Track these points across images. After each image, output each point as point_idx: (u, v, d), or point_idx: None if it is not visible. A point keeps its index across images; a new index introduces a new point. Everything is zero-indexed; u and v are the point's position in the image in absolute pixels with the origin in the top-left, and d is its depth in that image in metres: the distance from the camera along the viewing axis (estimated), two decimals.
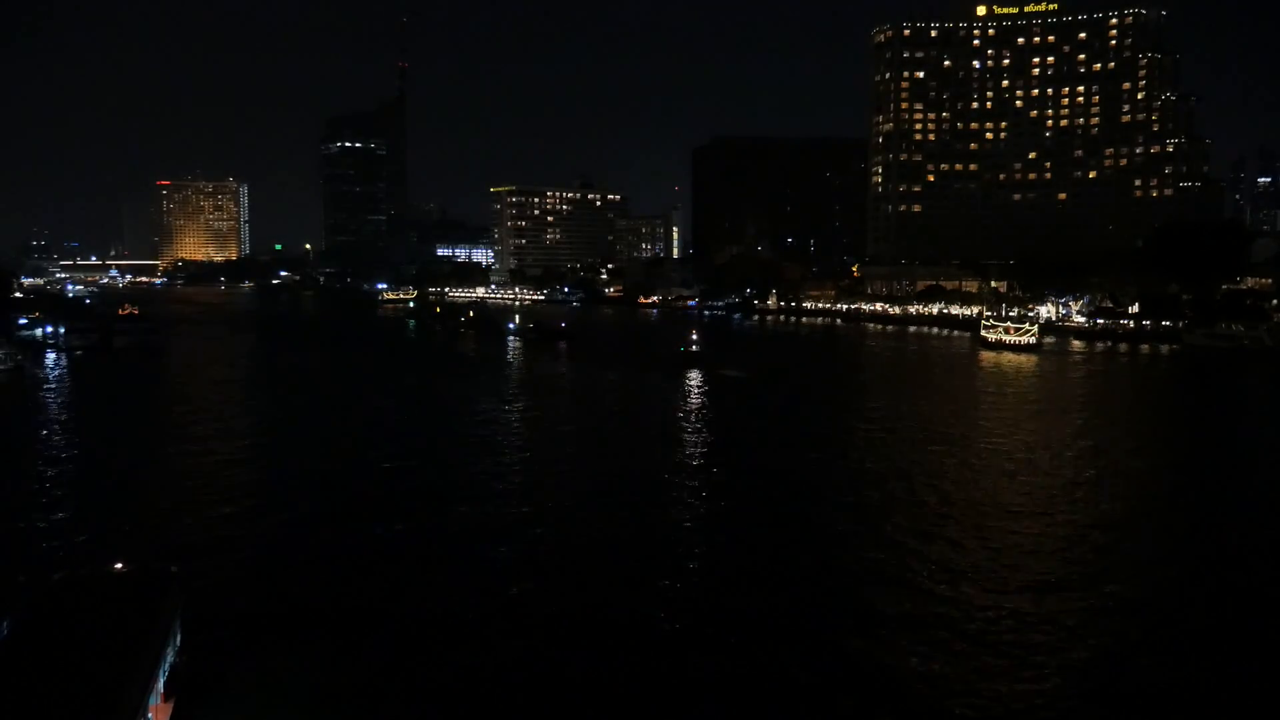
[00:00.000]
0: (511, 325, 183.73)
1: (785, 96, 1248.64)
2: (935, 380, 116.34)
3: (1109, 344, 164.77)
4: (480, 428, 79.38)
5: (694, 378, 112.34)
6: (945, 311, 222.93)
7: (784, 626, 36.33)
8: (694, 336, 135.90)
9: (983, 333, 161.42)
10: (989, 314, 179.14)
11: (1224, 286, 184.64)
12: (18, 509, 52.31)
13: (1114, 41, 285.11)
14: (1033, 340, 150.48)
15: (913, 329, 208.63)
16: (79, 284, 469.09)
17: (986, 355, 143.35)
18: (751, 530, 49.48)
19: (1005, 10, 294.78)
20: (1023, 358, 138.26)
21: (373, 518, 51.09)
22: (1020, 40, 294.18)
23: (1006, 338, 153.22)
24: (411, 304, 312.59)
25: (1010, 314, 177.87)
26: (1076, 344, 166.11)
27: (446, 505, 53.97)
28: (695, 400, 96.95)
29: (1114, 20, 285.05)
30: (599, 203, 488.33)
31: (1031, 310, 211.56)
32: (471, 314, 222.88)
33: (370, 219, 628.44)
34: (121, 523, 49.52)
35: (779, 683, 31.70)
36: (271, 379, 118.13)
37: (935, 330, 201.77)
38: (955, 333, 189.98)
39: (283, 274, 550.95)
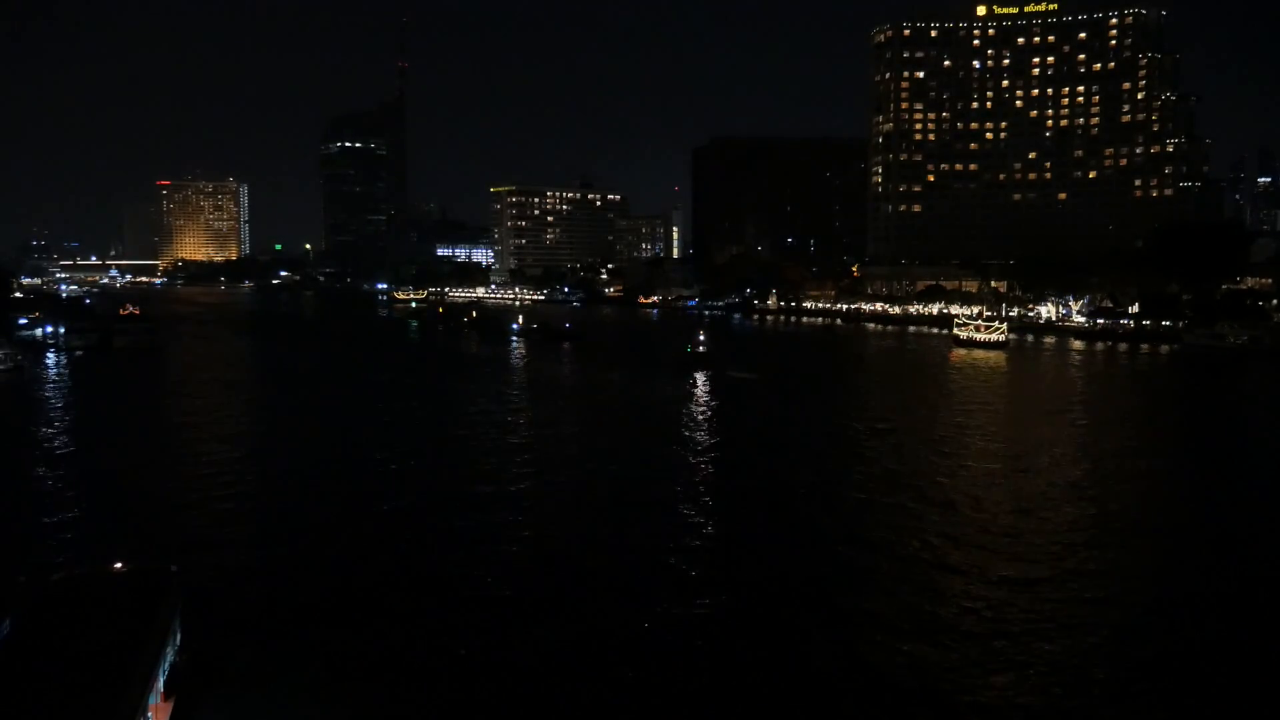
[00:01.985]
0: (515, 326, 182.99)
1: (785, 96, 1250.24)
2: (929, 379, 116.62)
3: (1109, 344, 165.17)
4: (486, 429, 78.99)
5: (703, 380, 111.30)
6: (945, 311, 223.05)
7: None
8: (701, 337, 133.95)
9: (955, 331, 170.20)
10: (960, 313, 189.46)
11: (1224, 286, 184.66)
12: (18, 509, 52.34)
13: (1114, 41, 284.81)
14: (1001, 338, 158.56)
15: (913, 329, 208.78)
16: (73, 284, 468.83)
17: (958, 352, 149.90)
18: (767, 537, 49.52)
19: (1005, 10, 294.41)
20: (991, 354, 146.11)
21: (374, 517, 51.13)
22: (1020, 40, 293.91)
23: (977, 335, 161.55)
24: (414, 304, 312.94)
25: (979, 314, 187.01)
26: (1077, 344, 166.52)
27: (449, 506, 53.96)
28: (707, 403, 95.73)
29: (1114, 20, 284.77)
30: (599, 203, 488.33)
31: (1031, 310, 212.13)
32: (474, 314, 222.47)
33: (370, 219, 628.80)
34: (121, 523, 49.54)
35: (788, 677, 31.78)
36: (272, 379, 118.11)
37: (935, 330, 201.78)
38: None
39: (283, 274, 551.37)
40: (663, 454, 68.22)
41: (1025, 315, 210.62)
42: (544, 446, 71.89)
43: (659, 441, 73.06)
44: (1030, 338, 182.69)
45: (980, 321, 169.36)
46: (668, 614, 37.44)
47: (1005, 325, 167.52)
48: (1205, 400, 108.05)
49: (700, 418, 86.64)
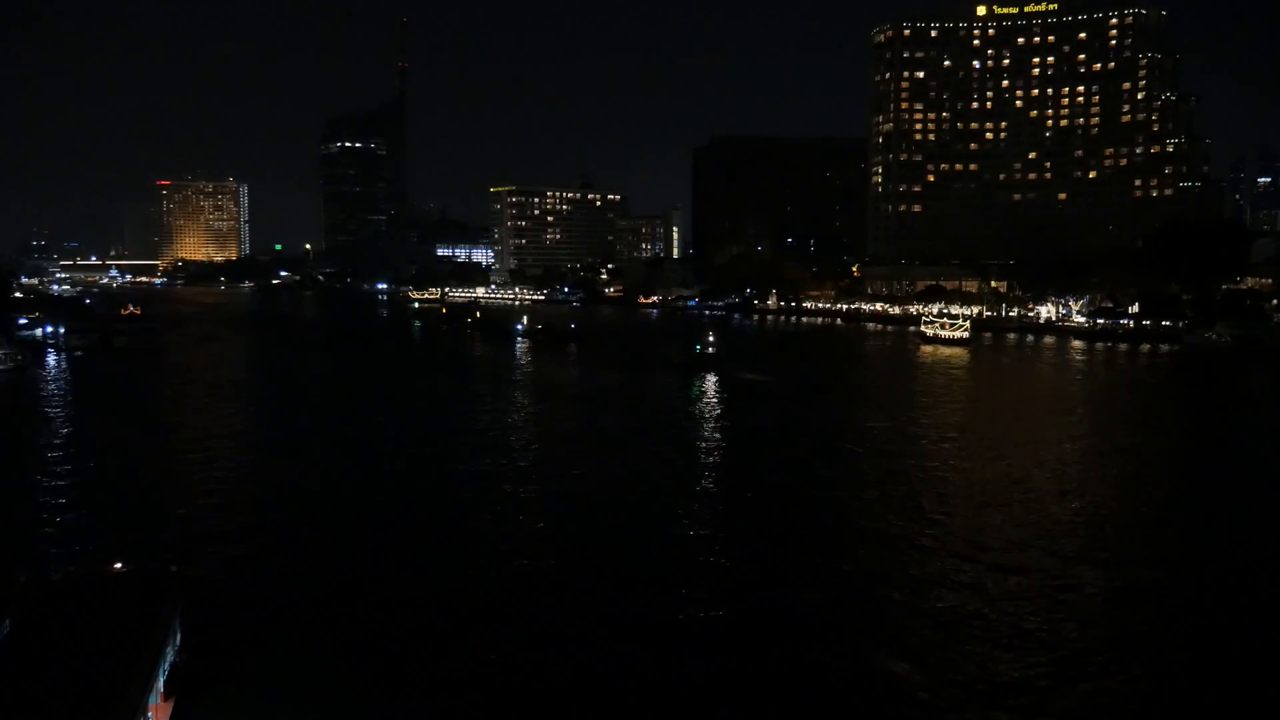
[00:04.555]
0: (519, 327, 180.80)
1: (785, 96, 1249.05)
2: (931, 377, 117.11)
3: (1109, 344, 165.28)
4: (495, 433, 78.32)
5: (715, 381, 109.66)
6: (945, 311, 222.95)
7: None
8: (710, 338, 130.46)
9: (922, 328, 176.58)
10: (927, 312, 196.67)
11: (1224, 286, 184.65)
12: (18, 509, 52.33)
13: (1114, 41, 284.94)
14: (965, 335, 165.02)
15: (912, 329, 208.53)
16: (67, 283, 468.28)
17: (925, 349, 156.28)
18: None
19: (1005, 10, 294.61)
20: (955, 350, 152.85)
21: (375, 518, 51.09)
22: (1020, 40, 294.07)
23: (942, 333, 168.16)
24: (417, 304, 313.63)
25: (945, 312, 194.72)
26: (1076, 344, 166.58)
27: (454, 507, 53.93)
28: (723, 406, 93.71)
29: (1114, 20, 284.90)
30: (599, 203, 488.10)
31: (1031, 310, 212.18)
32: (478, 315, 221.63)
33: (370, 219, 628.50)
34: (121, 523, 49.52)
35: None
36: (273, 379, 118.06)
37: None
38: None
39: (283, 274, 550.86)
40: (686, 460, 66.79)
41: (1025, 315, 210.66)
42: (559, 450, 70.60)
43: (681, 447, 70.95)
44: (1030, 338, 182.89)
45: (946, 319, 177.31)
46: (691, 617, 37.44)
47: (968, 323, 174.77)
48: (1158, 393, 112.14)
49: (718, 421, 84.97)
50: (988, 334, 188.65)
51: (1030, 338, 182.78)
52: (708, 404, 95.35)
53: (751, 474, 63.19)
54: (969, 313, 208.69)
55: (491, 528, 49.32)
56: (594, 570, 42.62)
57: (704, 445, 73.41)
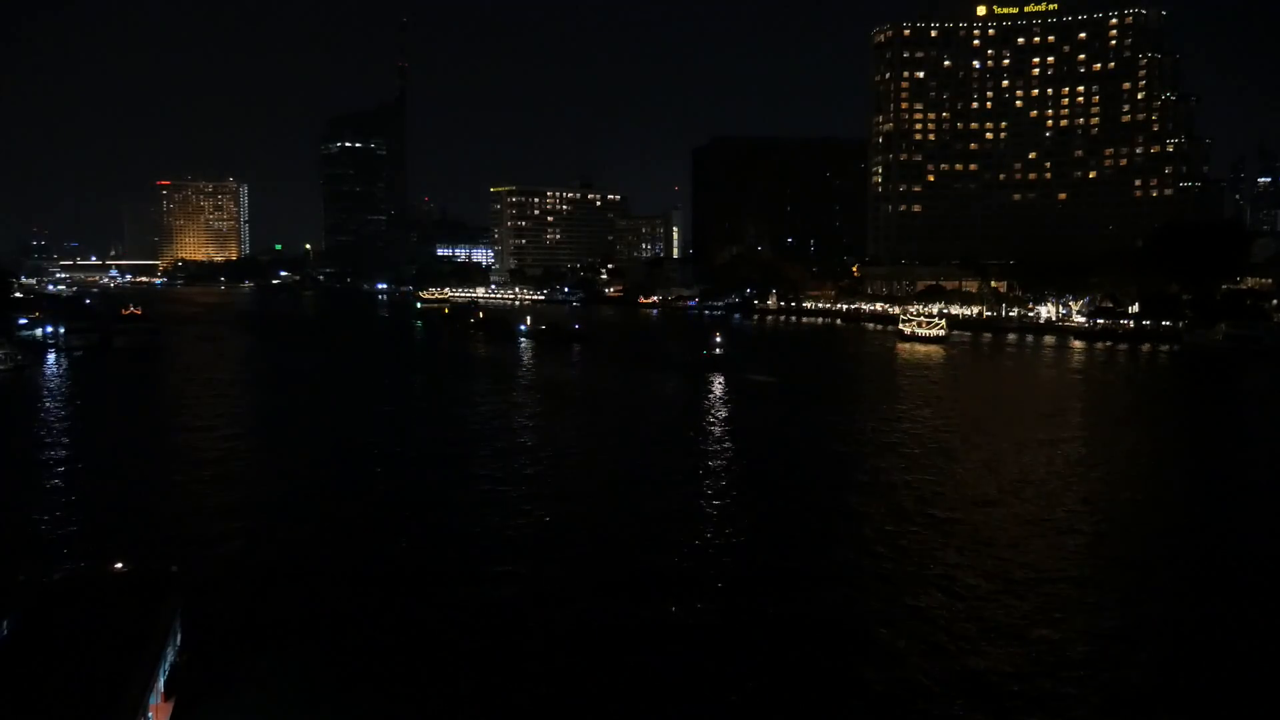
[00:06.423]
0: (523, 327, 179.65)
1: (785, 96, 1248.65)
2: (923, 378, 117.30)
3: (1109, 344, 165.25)
4: (502, 436, 77.74)
5: (722, 383, 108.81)
6: (945, 311, 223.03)
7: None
8: (717, 339, 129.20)
9: (900, 326, 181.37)
10: (905, 310, 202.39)
11: (1224, 286, 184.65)
12: (18, 509, 52.30)
13: (1114, 41, 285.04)
14: (941, 333, 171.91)
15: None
16: (62, 283, 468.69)
17: (903, 346, 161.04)
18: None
19: (1005, 10, 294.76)
20: (931, 348, 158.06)
21: (376, 518, 51.04)
22: (1020, 40, 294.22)
23: (920, 331, 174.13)
24: (420, 305, 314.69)
25: (922, 310, 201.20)
26: (1077, 344, 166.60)
27: (456, 510, 53.86)
28: (732, 408, 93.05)
29: (1114, 20, 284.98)
30: (599, 203, 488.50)
31: (1031, 310, 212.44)
32: (480, 315, 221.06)
33: (370, 219, 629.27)
34: (121, 523, 49.51)
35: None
36: (273, 379, 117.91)
37: None
38: (953, 333, 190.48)
39: (283, 274, 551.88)
40: (700, 466, 65.86)
41: (1025, 315, 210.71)
42: (564, 455, 69.89)
43: (697, 451, 69.95)
44: (1029, 338, 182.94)
45: (923, 318, 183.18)
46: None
47: (944, 321, 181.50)
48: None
49: (728, 423, 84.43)
50: (987, 334, 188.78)
51: (1030, 337, 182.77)
52: (717, 405, 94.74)
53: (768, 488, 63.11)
54: (968, 312, 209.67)
55: (495, 528, 49.30)
56: (597, 575, 42.62)
57: (720, 451, 71.70)
